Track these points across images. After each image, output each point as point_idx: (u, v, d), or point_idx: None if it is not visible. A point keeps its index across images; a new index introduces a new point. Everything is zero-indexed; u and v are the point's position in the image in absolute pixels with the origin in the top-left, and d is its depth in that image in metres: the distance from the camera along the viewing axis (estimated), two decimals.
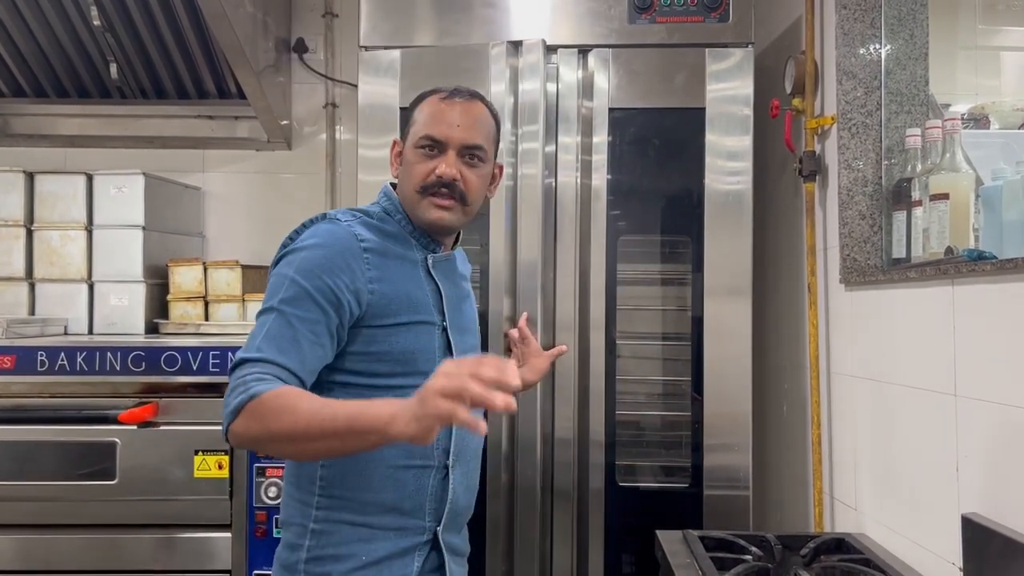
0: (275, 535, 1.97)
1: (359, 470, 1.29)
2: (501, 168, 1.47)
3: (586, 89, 2.01)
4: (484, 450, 1.49)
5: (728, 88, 1.97)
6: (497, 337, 1.94)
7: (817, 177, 1.96)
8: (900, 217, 1.70)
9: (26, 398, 2.01)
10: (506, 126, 1.96)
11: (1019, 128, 2.08)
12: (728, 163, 1.97)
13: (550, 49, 2.01)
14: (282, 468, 1.97)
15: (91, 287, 2.39)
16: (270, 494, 1.98)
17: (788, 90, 2.02)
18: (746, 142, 1.97)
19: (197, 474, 1.98)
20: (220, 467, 1.98)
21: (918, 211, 1.63)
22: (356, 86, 2.11)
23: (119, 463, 1.97)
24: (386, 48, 2.02)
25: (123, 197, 2.39)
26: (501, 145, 1.68)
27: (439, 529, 1.34)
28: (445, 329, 1.35)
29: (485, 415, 1.48)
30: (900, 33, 1.80)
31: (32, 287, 2.40)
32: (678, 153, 2.04)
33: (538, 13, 2.03)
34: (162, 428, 1.99)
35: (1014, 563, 1.16)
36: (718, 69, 1.98)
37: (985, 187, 1.48)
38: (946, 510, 1.39)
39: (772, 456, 2.29)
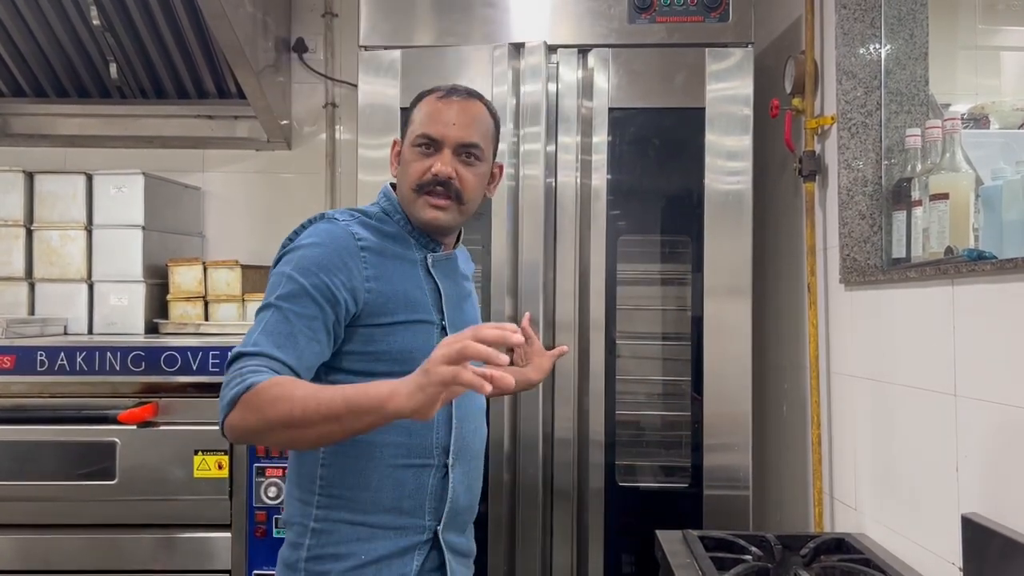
0: (275, 535, 1.97)
1: (358, 469, 1.29)
2: (501, 167, 1.47)
3: (586, 89, 2.01)
4: (486, 450, 1.49)
5: (728, 88, 1.97)
6: None
7: (817, 177, 1.96)
8: (900, 217, 1.70)
9: (26, 398, 2.01)
10: (508, 127, 1.96)
11: (1019, 128, 2.08)
12: (728, 163, 1.97)
13: (550, 49, 2.01)
14: (282, 468, 1.97)
15: (91, 287, 2.39)
16: (270, 494, 1.98)
17: (788, 90, 2.02)
18: (746, 142, 1.97)
19: (197, 474, 1.98)
20: (220, 467, 1.98)
21: (918, 211, 1.63)
22: (356, 86, 2.11)
23: (119, 463, 1.97)
24: (386, 48, 2.02)
25: (123, 197, 2.39)
26: (503, 146, 1.68)
27: (439, 528, 1.34)
28: (444, 328, 1.35)
29: (487, 417, 1.49)
30: (900, 33, 1.80)
31: (32, 287, 2.40)
32: (678, 153, 2.04)
33: (538, 13, 2.03)
34: (162, 428, 1.99)
35: (1014, 563, 1.16)
36: (718, 69, 1.98)
37: (985, 187, 1.48)
38: (946, 510, 1.39)
39: (772, 456, 2.29)
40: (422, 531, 1.33)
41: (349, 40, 2.78)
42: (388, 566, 1.30)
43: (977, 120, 2.11)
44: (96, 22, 2.37)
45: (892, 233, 1.74)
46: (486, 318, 1.57)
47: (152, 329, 2.40)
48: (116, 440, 1.97)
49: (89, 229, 2.40)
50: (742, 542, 1.58)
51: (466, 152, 1.34)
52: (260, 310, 1.24)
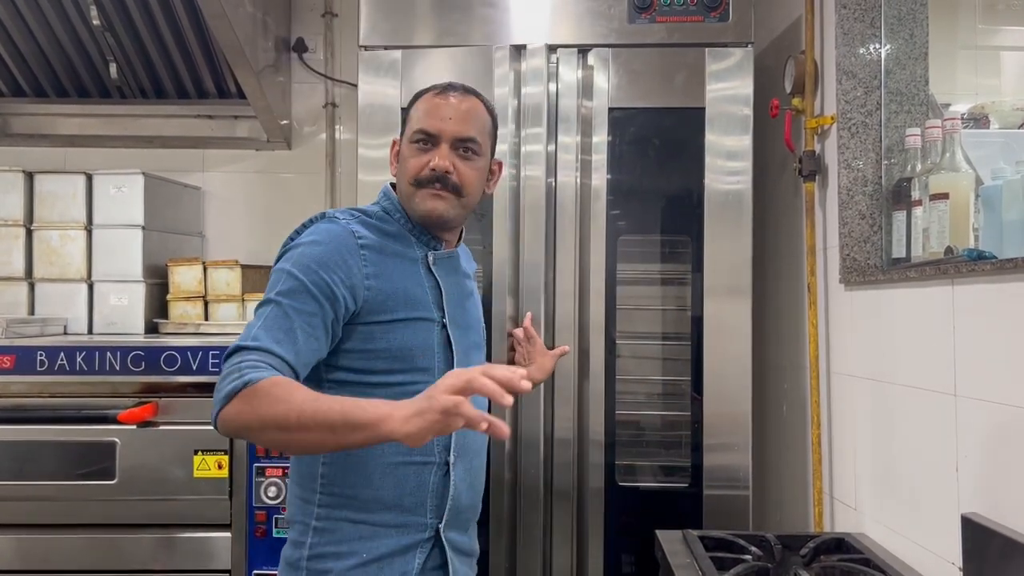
0: (275, 535, 1.98)
1: (359, 467, 1.30)
2: (500, 165, 1.48)
3: (586, 89, 2.01)
4: (488, 449, 1.49)
5: (728, 88, 1.97)
6: (501, 337, 1.95)
7: (817, 177, 1.96)
8: (900, 217, 1.70)
9: (26, 398, 2.01)
10: (509, 128, 1.96)
11: (1019, 128, 2.08)
12: (728, 163, 1.97)
13: (550, 49, 2.01)
14: (282, 468, 1.98)
15: (91, 287, 2.39)
16: (270, 494, 1.98)
17: (788, 90, 2.02)
18: (746, 142, 1.97)
19: (197, 474, 1.98)
20: (220, 467, 1.98)
21: (918, 211, 1.63)
22: (356, 86, 2.11)
23: (119, 463, 1.97)
24: (386, 48, 2.02)
25: (123, 197, 2.39)
26: (504, 146, 1.67)
27: (441, 526, 1.34)
28: (445, 325, 1.35)
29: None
30: (900, 33, 1.80)
31: (32, 287, 2.40)
32: (678, 153, 2.04)
33: (538, 13, 2.03)
34: (162, 428, 1.99)
35: (1013, 563, 1.15)
36: (718, 69, 1.98)
37: (985, 187, 1.48)
38: (946, 510, 1.39)
39: (772, 456, 2.29)
40: (424, 529, 1.33)
41: (349, 40, 2.78)
42: (390, 564, 1.30)
43: (977, 120, 2.11)
44: (96, 22, 2.37)
45: (892, 233, 1.74)
46: (487, 318, 1.57)
47: (152, 329, 2.40)
48: (116, 440, 1.97)
49: (89, 229, 2.40)
50: (742, 542, 1.58)
51: (463, 147, 1.35)
52: (260, 306, 1.25)
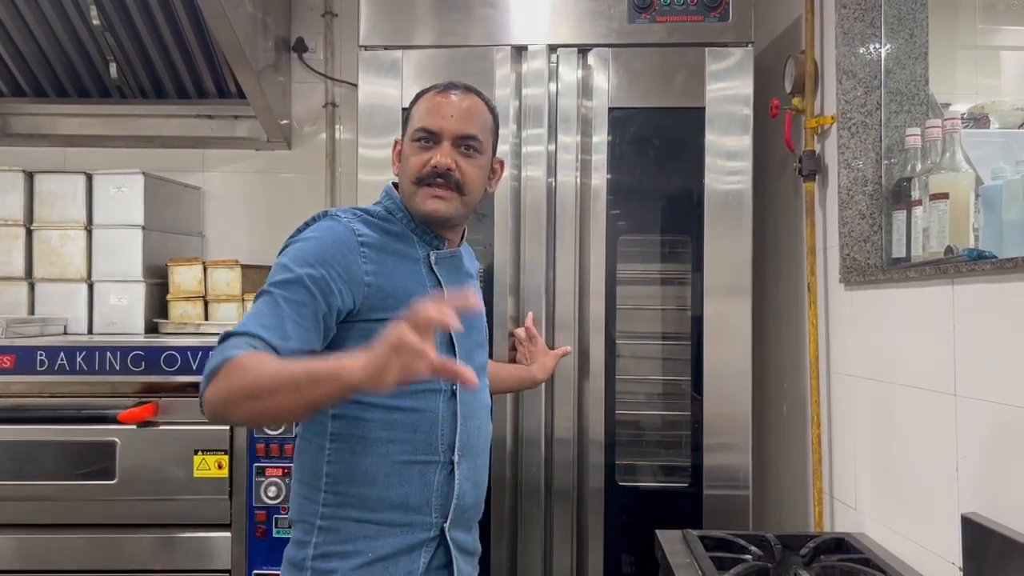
0: (275, 535, 1.98)
1: (364, 466, 1.30)
2: (502, 163, 1.48)
3: (586, 89, 2.01)
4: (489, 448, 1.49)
5: (728, 88, 1.97)
6: (502, 336, 1.95)
7: (817, 177, 1.96)
8: (900, 217, 1.70)
9: (26, 398, 2.01)
10: (510, 128, 1.97)
11: (1019, 128, 2.08)
12: (728, 163, 1.97)
13: (550, 49, 2.01)
14: (282, 468, 1.98)
15: (91, 287, 2.39)
16: (270, 494, 1.98)
17: (788, 89, 2.02)
18: (746, 142, 1.97)
19: (197, 474, 1.98)
20: (220, 467, 1.98)
21: (918, 211, 1.63)
22: (356, 86, 2.11)
23: (119, 463, 1.97)
24: (386, 48, 2.02)
25: (123, 197, 2.39)
26: (505, 147, 1.67)
27: (446, 526, 1.34)
28: None
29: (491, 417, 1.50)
30: (900, 32, 1.80)
31: (32, 287, 2.40)
32: (678, 153, 2.04)
33: (538, 13, 2.02)
34: (162, 428, 1.99)
35: (1013, 562, 1.16)
36: (718, 69, 1.98)
37: (985, 187, 1.48)
38: (946, 510, 1.39)
39: (772, 456, 2.29)
40: (429, 528, 1.33)
41: (349, 40, 2.78)
42: (395, 564, 1.30)
43: (977, 120, 2.11)
44: (96, 22, 2.37)
45: (892, 233, 1.74)
46: (488, 318, 1.57)
47: (152, 329, 2.40)
48: (116, 440, 1.97)
49: (89, 229, 2.40)
50: (742, 542, 1.58)
51: (465, 144, 1.35)
52: (255, 298, 1.26)
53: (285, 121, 2.77)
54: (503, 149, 1.73)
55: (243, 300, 2.42)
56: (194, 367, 2.00)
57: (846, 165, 1.80)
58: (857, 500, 1.78)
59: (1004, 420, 1.24)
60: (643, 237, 2.07)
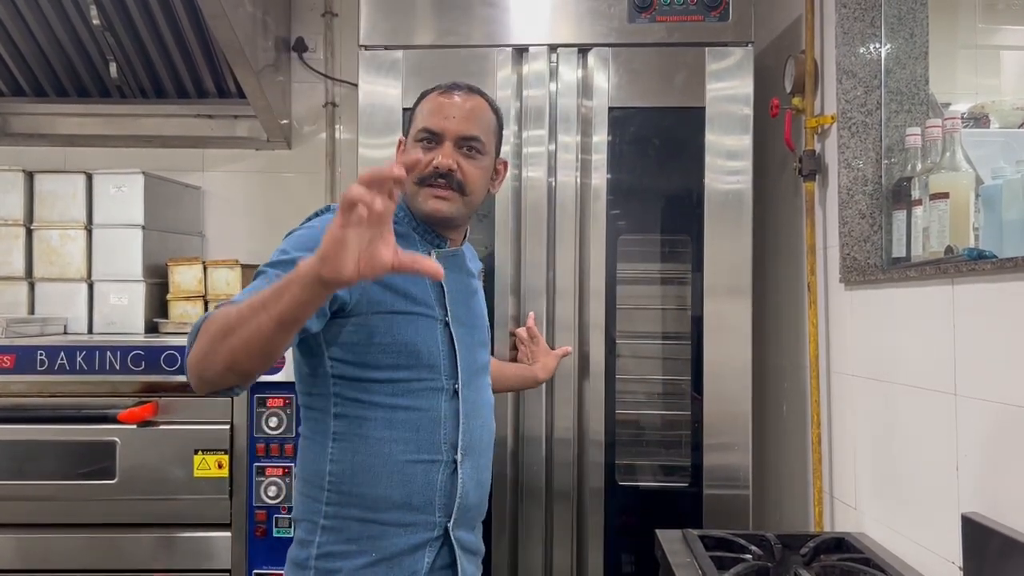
0: (275, 535, 1.98)
1: (367, 466, 1.30)
2: (505, 164, 1.48)
3: (586, 88, 2.01)
4: None
5: (728, 87, 1.97)
6: (502, 336, 1.95)
7: (817, 176, 1.96)
8: (900, 216, 1.70)
9: (26, 397, 2.01)
10: (511, 129, 1.97)
11: (1019, 127, 2.08)
12: (728, 162, 1.97)
13: (550, 48, 2.01)
14: (282, 468, 1.98)
15: (91, 286, 2.39)
16: (270, 493, 1.98)
17: (788, 89, 2.01)
18: (746, 141, 1.97)
19: (197, 473, 1.98)
20: (220, 466, 1.98)
21: (918, 210, 1.63)
22: (356, 85, 2.11)
23: (119, 462, 1.97)
24: (386, 48, 2.02)
25: (123, 196, 2.39)
26: (506, 147, 1.67)
27: (450, 525, 1.34)
28: (448, 323, 1.36)
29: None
30: (900, 32, 1.80)
31: (32, 286, 2.40)
32: (678, 152, 2.04)
33: (538, 13, 2.02)
34: (162, 427, 1.99)
35: (1013, 562, 1.16)
36: (718, 68, 1.98)
37: (985, 186, 1.48)
38: (946, 509, 1.39)
39: (772, 455, 2.29)
40: (432, 527, 1.33)
41: (349, 40, 2.78)
42: (399, 563, 1.31)
43: (977, 119, 2.11)
44: (96, 22, 2.36)
45: (892, 232, 1.74)
46: (489, 318, 1.58)
47: (152, 328, 2.40)
48: (116, 439, 1.97)
49: (89, 229, 2.40)
50: (742, 541, 1.58)
51: (467, 145, 1.35)
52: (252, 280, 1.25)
53: (285, 121, 2.77)
54: (504, 150, 1.73)
55: None
56: None
57: (846, 165, 1.80)
58: (857, 500, 1.78)
59: (1004, 419, 1.24)
60: (643, 237, 2.07)
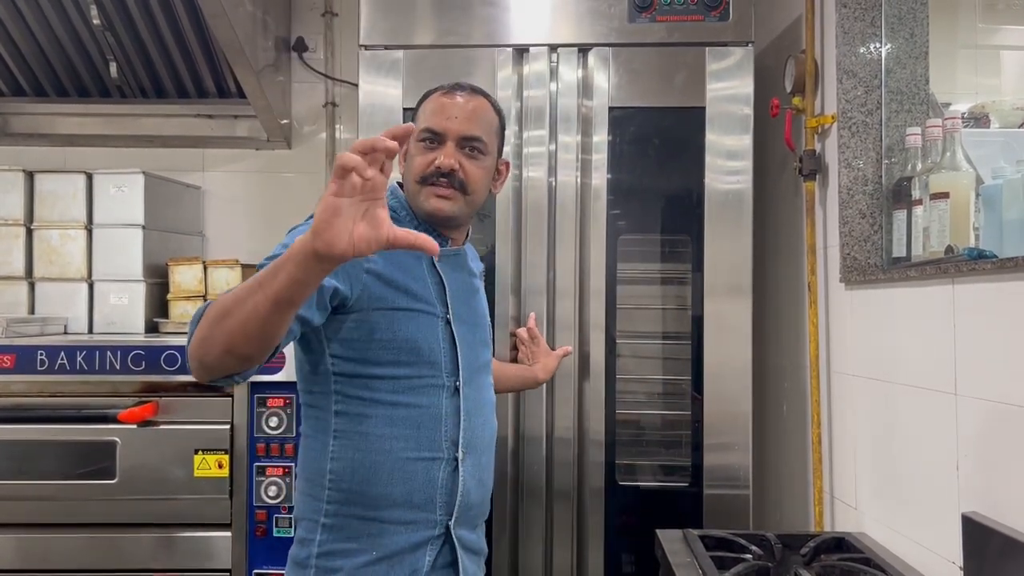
0: (275, 534, 1.98)
1: (368, 463, 1.30)
2: (507, 165, 1.49)
3: (586, 88, 2.01)
4: None
5: (728, 87, 1.97)
6: (503, 336, 1.95)
7: (817, 176, 1.96)
8: (900, 216, 1.70)
9: (26, 397, 2.01)
10: (512, 129, 1.97)
11: (1019, 127, 2.08)
12: (728, 162, 1.97)
13: (550, 48, 2.01)
14: (282, 467, 1.98)
15: (91, 286, 2.39)
16: (270, 493, 1.98)
17: (788, 89, 2.01)
18: (746, 141, 1.97)
19: (197, 473, 1.98)
20: (220, 466, 1.98)
21: (918, 210, 1.63)
22: (356, 85, 2.11)
23: (119, 462, 1.97)
24: (387, 48, 2.02)
25: (123, 196, 2.39)
26: (507, 147, 1.67)
27: (451, 523, 1.34)
28: (449, 321, 1.36)
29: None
30: (900, 32, 1.80)
31: (32, 286, 2.40)
32: (678, 152, 2.04)
33: (539, 13, 2.02)
34: (162, 427, 1.99)
35: (1013, 562, 1.16)
36: (718, 68, 1.98)
37: (985, 186, 1.48)
38: (946, 509, 1.39)
39: (772, 455, 2.29)
40: (434, 525, 1.33)
41: (349, 40, 2.78)
42: (400, 562, 1.31)
43: (977, 119, 2.11)
44: (96, 21, 2.36)
45: (892, 232, 1.74)
46: (490, 318, 1.58)
47: (152, 328, 2.40)
48: (116, 439, 1.97)
49: (89, 228, 2.40)
50: (742, 541, 1.58)
51: (469, 145, 1.36)
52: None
53: (285, 121, 2.77)
54: (505, 150, 1.73)
55: None
56: None
57: (846, 164, 1.80)
58: (857, 499, 1.78)
59: (1004, 419, 1.24)
60: (643, 237, 2.07)
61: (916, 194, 1.63)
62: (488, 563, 1.82)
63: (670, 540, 1.63)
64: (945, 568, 1.40)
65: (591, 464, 1.98)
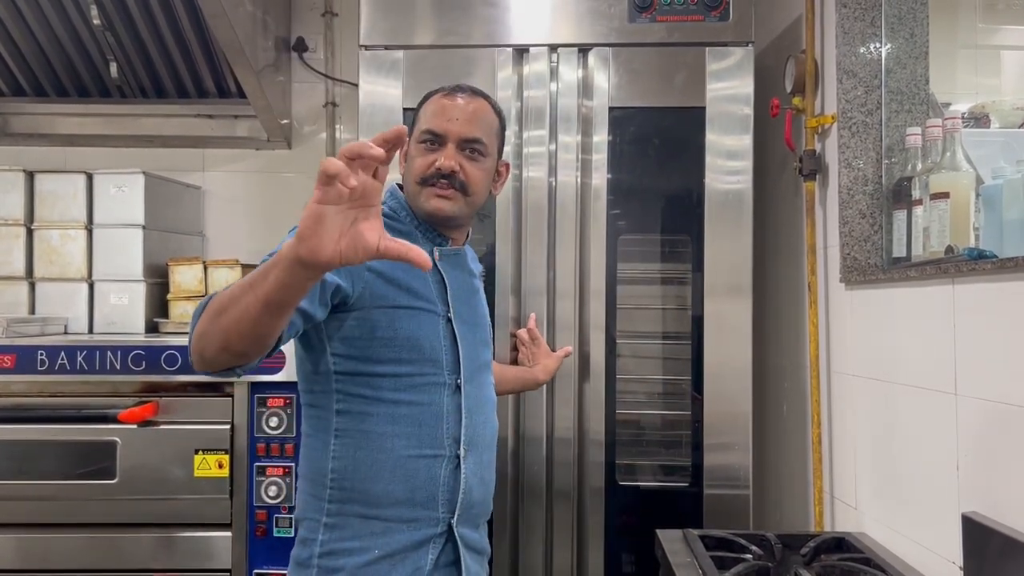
0: (275, 534, 1.98)
1: (370, 462, 1.30)
2: (507, 166, 1.49)
3: (586, 88, 2.01)
4: None
5: (728, 87, 1.97)
6: (503, 337, 1.95)
7: (817, 176, 1.96)
8: (900, 216, 1.70)
9: (26, 397, 2.01)
10: (512, 129, 1.97)
11: (1019, 127, 2.08)
12: (728, 162, 1.97)
13: (550, 48, 2.01)
14: (282, 467, 1.98)
15: (91, 286, 2.39)
16: (270, 493, 1.98)
17: (788, 89, 2.02)
18: (746, 141, 1.97)
19: (197, 473, 1.98)
20: (220, 466, 1.98)
21: (918, 210, 1.63)
22: (356, 85, 2.11)
23: (119, 462, 1.97)
24: (387, 48, 2.02)
25: (123, 196, 2.39)
26: (507, 147, 1.67)
27: (453, 521, 1.35)
28: (450, 320, 1.36)
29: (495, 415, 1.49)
30: (900, 32, 1.80)
31: (32, 286, 2.40)
32: (678, 152, 2.04)
33: (539, 13, 2.02)
34: (162, 427, 1.99)
35: (1013, 562, 1.16)
36: (718, 68, 1.98)
37: (985, 186, 1.48)
38: (946, 509, 1.39)
39: (772, 455, 2.29)
40: (436, 524, 1.33)
41: (349, 40, 2.78)
42: (403, 561, 1.31)
43: (977, 119, 2.11)
44: (96, 21, 2.36)
45: (892, 232, 1.74)
46: (491, 318, 1.58)
47: (152, 328, 2.40)
48: (116, 439, 1.97)
49: (89, 228, 2.40)
50: (742, 541, 1.58)
51: (470, 147, 1.36)
52: None
53: (285, 121, 2.77)
54: (505, 151, 1.74)
55: None
56: None
57: (846, 164, 1.80)
58: (857, 499, 1.78)
59: (1004, 419, 1.24)
60: (643, 237, 2.07)
61: (916, 194, 1.63)
62: (489, 563, 1.82)
63: (670, 540, 1.63)
64: (945, 568, 1.40)
65: (591, 464, 1.98)
